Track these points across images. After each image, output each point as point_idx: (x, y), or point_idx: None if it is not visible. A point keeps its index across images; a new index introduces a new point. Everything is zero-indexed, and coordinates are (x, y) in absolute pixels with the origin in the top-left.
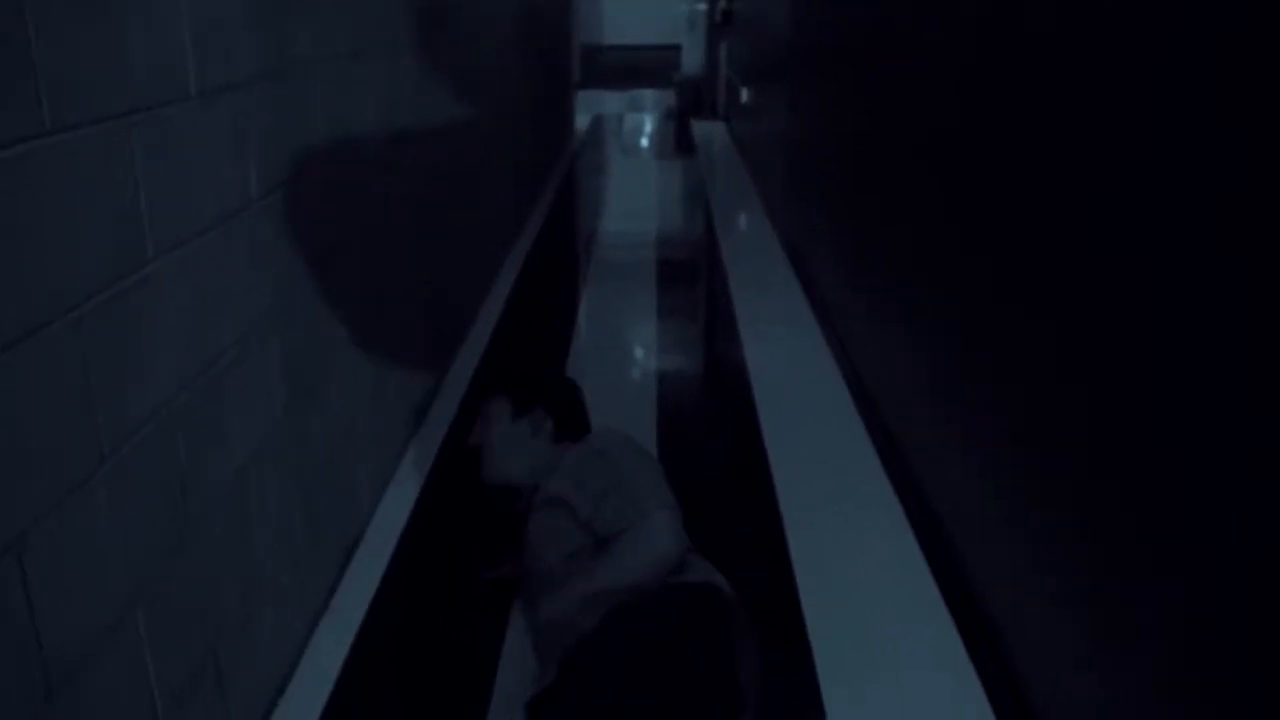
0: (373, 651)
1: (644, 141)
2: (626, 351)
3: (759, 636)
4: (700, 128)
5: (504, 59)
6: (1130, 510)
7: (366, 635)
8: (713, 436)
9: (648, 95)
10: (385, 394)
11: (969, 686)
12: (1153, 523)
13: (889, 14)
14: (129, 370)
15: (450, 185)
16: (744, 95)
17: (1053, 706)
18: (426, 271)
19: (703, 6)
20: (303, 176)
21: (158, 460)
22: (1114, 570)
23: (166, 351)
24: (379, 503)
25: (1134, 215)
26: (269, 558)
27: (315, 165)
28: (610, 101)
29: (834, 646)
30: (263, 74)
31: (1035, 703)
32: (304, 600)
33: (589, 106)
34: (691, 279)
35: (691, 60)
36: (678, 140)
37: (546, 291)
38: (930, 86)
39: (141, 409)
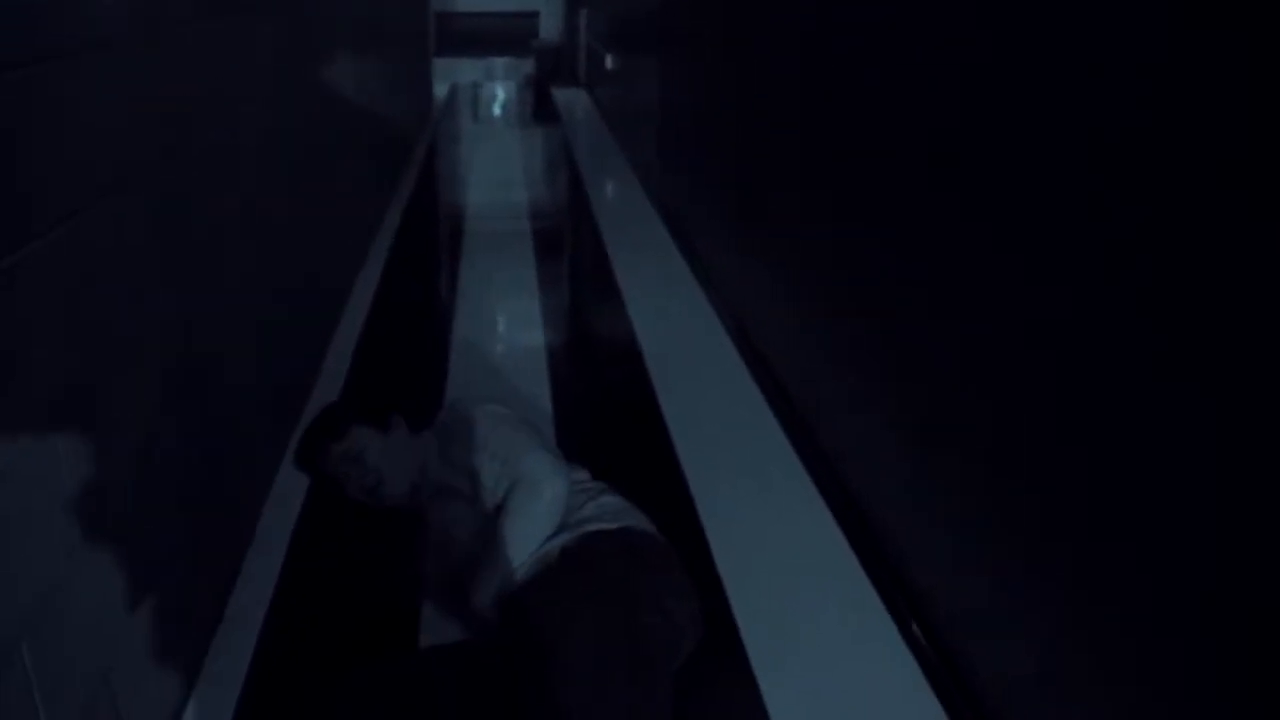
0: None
1: (498, 110)
2: (512, 327)
3: (685, 573)
4: (561, 95)
5: (353, 31)
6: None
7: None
8: (608, 404)
9: (500, 64)
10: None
11: (873, 613)
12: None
13: None
14: None
15: (298, 177)
16: (609, 62)
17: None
18: (291, 268)
19: None
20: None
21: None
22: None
23: None
24: (261, 509)
25: (995, 162)
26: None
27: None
28: (466, 70)
29: (749, 593)
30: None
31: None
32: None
33: (445, 75)
34: (567, 248)
35: (549, 27)
36: (537, 108)
37: (418, 274)
38: (805, 43)
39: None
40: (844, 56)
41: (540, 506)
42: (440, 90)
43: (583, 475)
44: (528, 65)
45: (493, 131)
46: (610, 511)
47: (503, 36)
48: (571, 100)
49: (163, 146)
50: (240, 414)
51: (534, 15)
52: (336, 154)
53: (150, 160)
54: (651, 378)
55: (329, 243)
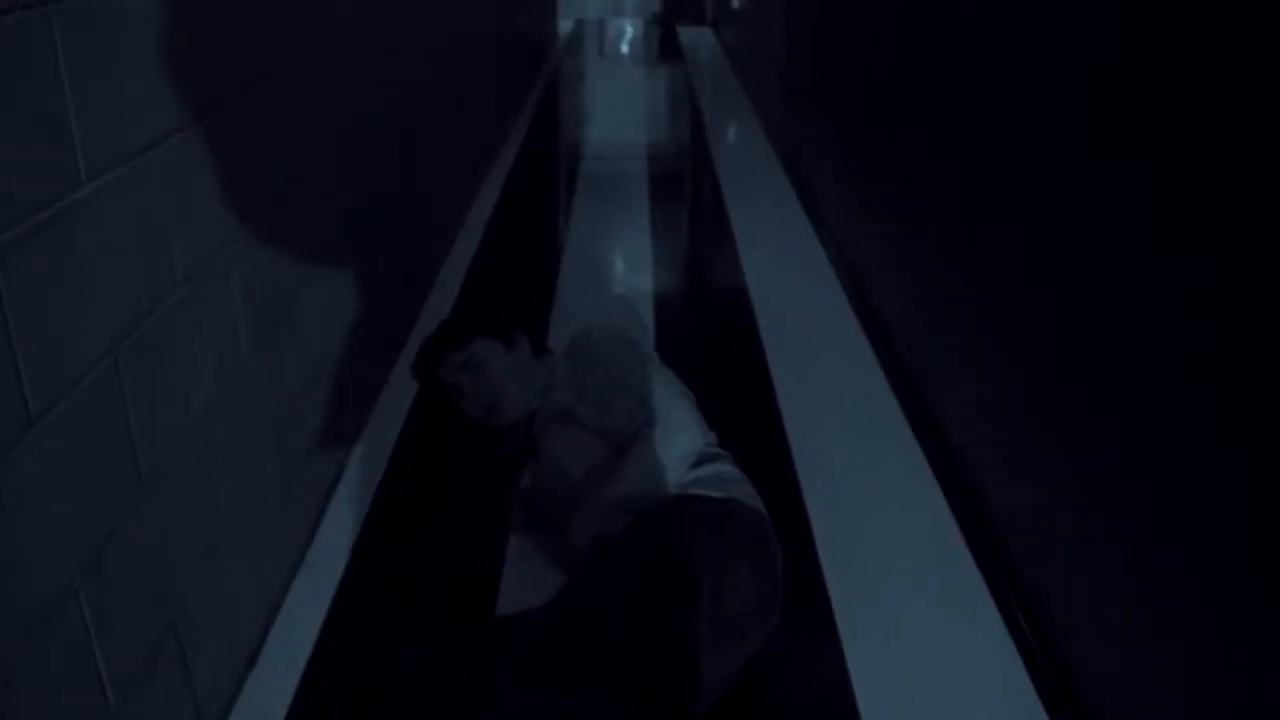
0: (355, 606)
1: (625, 48)
2: (621, 268)
3: (778, 546)
4: (687, 34)
5: None
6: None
7: (348, 587)
8: (714, 356)
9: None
10: (363, 322)
11: (976, 592)
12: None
13: None
14: (60, 312)
15: (428, 95)
16: (735, 1)
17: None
18: (405, 190)
19: None
20: (258, 84)
21: (100, 415)
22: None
23: (105, 290)
24: (357, 440)
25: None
26: (233, 511)
27: (273, 73)
28: (591, 5)
29: (843, 561)
30: None
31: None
32: (276, 555)
33: (570, 9)
34: (684, 192)
35: None
36: (663, 47)
37: (532, 208)
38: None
39: (77, 358)
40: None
41: (671, 455)
42: (565, 26)
43: (713, 438)
44: (655, 1)
45: (616, 68)
46: (720, 479)
47: None
48: (697, 39)
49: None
50: (330, 352)
51: None
52: (458, 90)
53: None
54: (761, 336)
55: (448, 163)
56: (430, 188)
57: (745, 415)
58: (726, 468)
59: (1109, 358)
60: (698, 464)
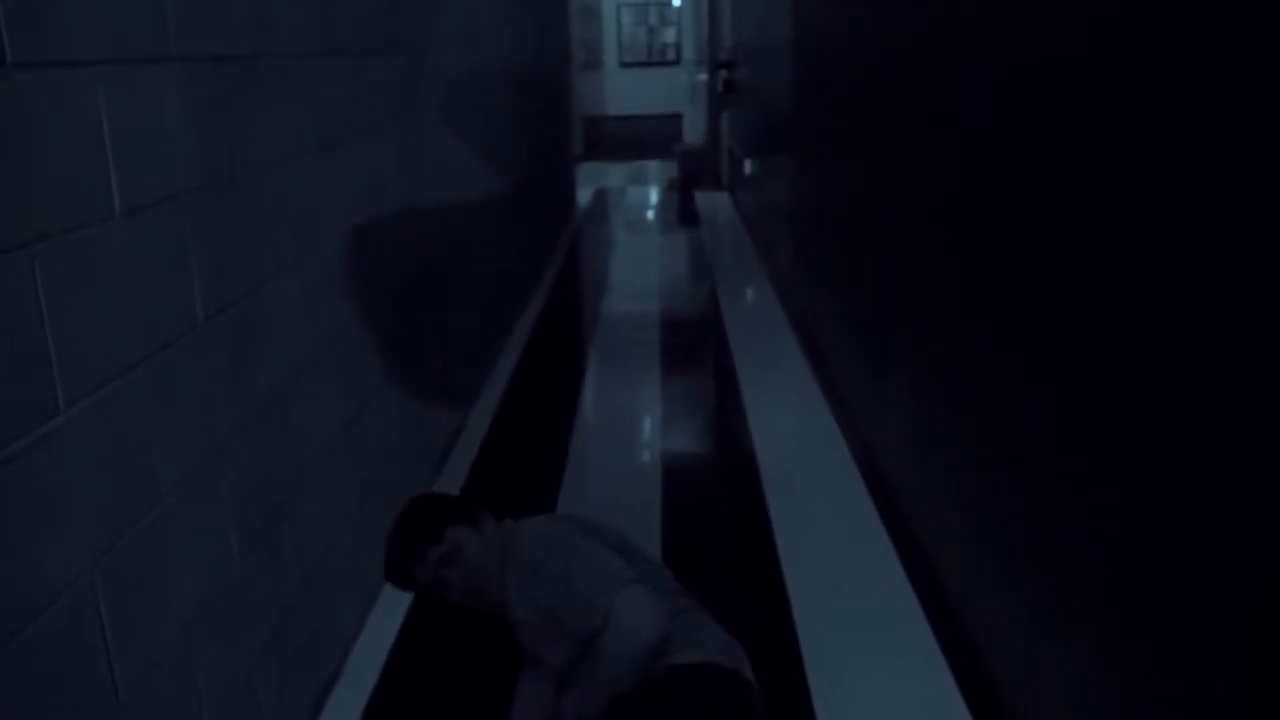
0: None
1: (648, 214)
2: (631, 435)
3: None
4: (704, 199)
5: (502, 137)
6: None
7: None
8: (720, 523)
9: (650, 166)
10: (368, 508)
11: None
12: None
13: (891, 82)
14: (29, 537)
15: (440, 276)
16: (747, 166)
17: None
18: (419, 369)
19: (704, 78)
20: (265, 288)
21: (75, 635)
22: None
23: (80, 511)
24: (358, 636)
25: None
26: (217, 715)
27: (278, 273)
28: (613, 174)
29: None
30: (210, 180)
31: None
32: None
33: (591, 179)
34: (697, 360)
35: (693, 130)
36: (681, 213)
37: (547, 378)
38: (936, 154)
39: (47, 581)
40: (995, 159)
41: (637, 648)
42: (584, 195)
43: (685, 602)
44: (672, 169)
45: (636, 237)
46: (701, 645)
47: (648, 140)
48: (714, 204)
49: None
50: (339, 533)
51: (678, 118)
52: (473, 268)
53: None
54: (769, 507)
55: (466, 338)
56: (448, 362)
57: (751, 591)
58: (693, 620)
59: (1120, 544)
60: (674, 632)
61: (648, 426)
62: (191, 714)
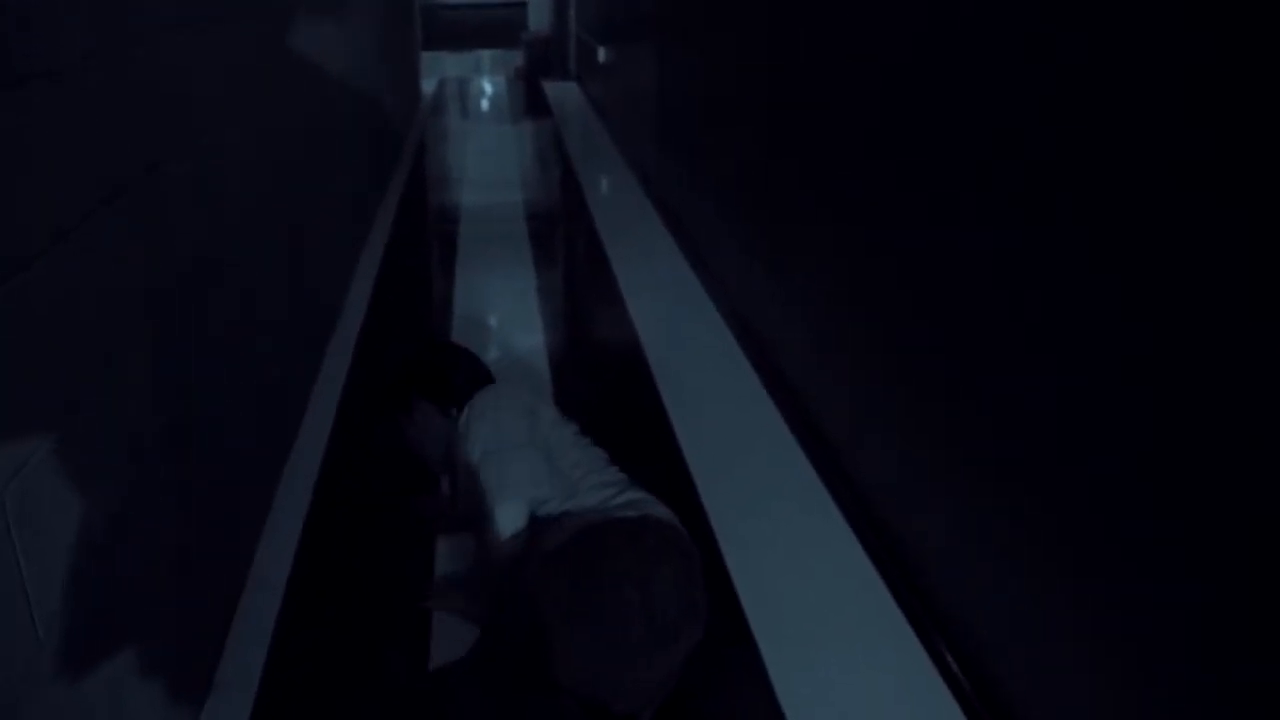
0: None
1: (496, 105)
2: (510, 334)
3: (696, 553)
4: (552, 89)
5: (342, 26)
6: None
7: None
8: (612, 408)
9: (487, 56)
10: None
11: (883, 608)
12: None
13: None
14: None
15: (287, 181)
16: (601, 55)
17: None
18: (267, 293)
19: None
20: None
21: None
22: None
23: None
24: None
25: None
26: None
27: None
28: (454, 64)
29: (758, 589)
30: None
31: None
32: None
33: (433, 69)
34: (563, 247)
35: (538, 18)
36: (528, 102)
37: (413, 280)
38: (812, 35)
39: None
40: (866, 34)
41: (499, 555)
42: (428, 85)
43: (616, 475)
44: (516, 58)
45: (481, 127)
46: (633, 503)
47: (490, 29)
48: (562, 93)
49: (148, 157)
50: (232, 427)
51: (522, 4)
52: (324, 158)
53: (134, 174)
54: (656, 380)
55: (321, 253)
56: (306, 279)
57: (649, 461)
58: (636, 494)
59: (1001, 383)
60: (610, 496)
61: (528, 323)
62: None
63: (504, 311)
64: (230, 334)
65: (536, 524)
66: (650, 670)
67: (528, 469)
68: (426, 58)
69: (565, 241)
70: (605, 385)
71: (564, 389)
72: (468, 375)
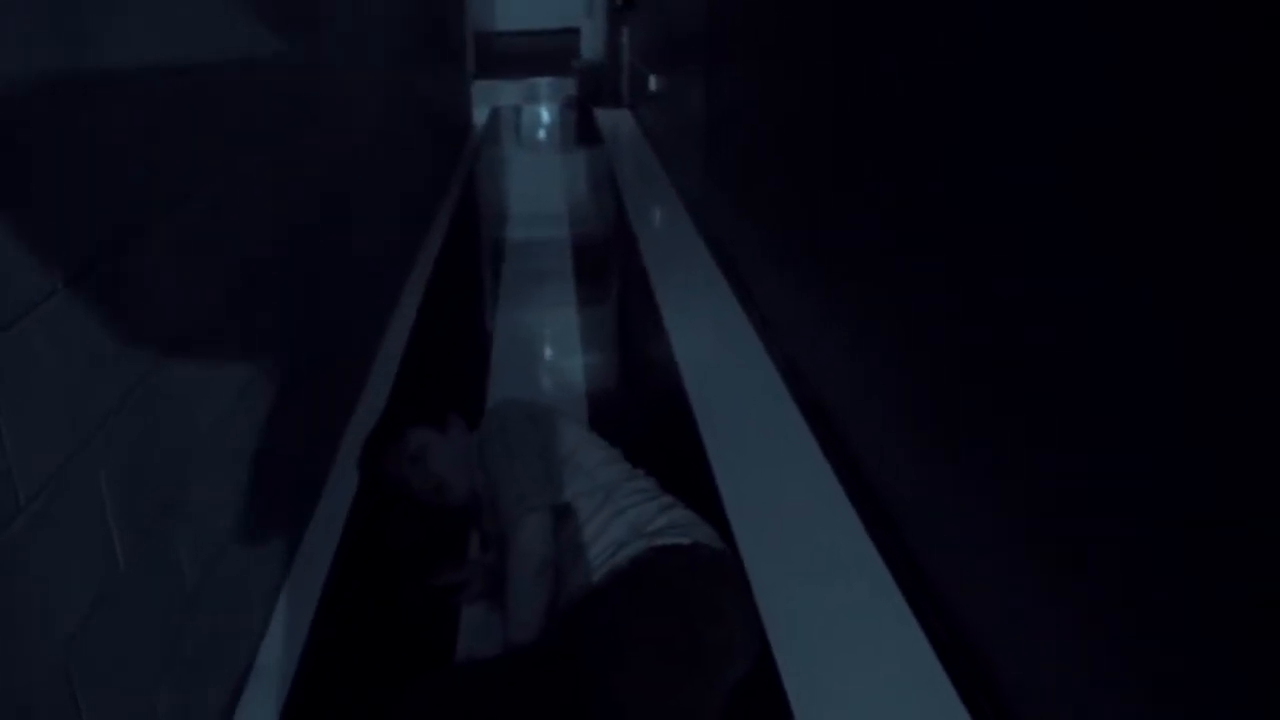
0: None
1: (541, 134)
2: (551, 355)
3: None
4: (605, 116)
5: (393, 55)
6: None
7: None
8: (650, 450)
9: (543, 84)
10: (279, 457)
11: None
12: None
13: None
14: None
15: (333, 208)
16: (652, 83)
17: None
18: (312, 314)
19: None
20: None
21: None
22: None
23: None
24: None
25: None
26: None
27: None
28: (507, 92)
29: (785, 618)
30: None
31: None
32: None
33: (485, 97)
34: (610, 281)
35: (591, 45)
36: (580, 131)
37: (457, 312)
38: (862, 68)
39: None
40: (930, 68)
41: (524, 572)
42: (481, 114)
43: (650, 483)
44: (570, 86)
45: (533, 156)
46: (682, 525)
47: (544, 56)
48: (615, 121)
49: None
50: (276, 456)
51: (575, 32)
52: (372, 184)
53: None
54: (696, 417)
55: (366, 276)
56: (355, 289)
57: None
58: (682, 513)
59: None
60: (653, 515)
61: (569, 361)
62: None
63: (546, 332)
64: (225, 408)
65: (572, 526)
66: (709, 696)
67: (541, 476)
68: (481, 86)
69: (613, 276)
70: (645, 424)
71: (603, 426)
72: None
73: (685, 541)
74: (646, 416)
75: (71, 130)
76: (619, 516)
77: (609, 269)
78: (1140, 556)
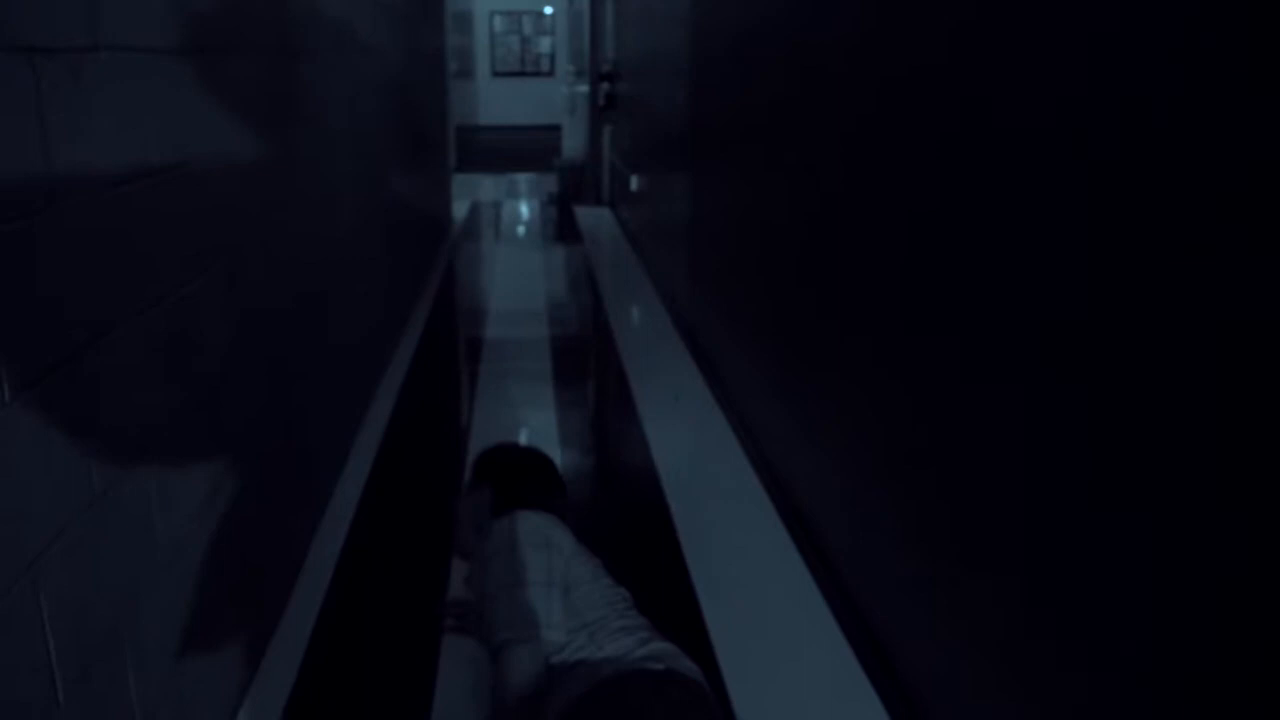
0: None
1: (528, 230)
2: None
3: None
4: (585, 214)
5: (373, 150)
6: None
7: None
8: (628, 559)
9: (522, 180)
10: (242, 571)
11: None
12: None
13: (796, 98)
14: None
15: (309, 305)
16: (633, 183)
17: None
18: (283, 411)
19: (584, 89)
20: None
21: None
22: None
23: None
24: None
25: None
26: None
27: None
28: (487, 187)
29: None
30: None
31: None
32: None
33: (465, 191)
34: (588, 383)
35: (572, 143)
36: (561, 228)
37: (430, 414)
38: (836, 183)
39: None
40: (912, 177)
41: (508, 703)
42: (461, 207)
43: (635, 620)
44: (551, 182)
45: (512, 252)
46: (657, 654)
47: (525, 152)
48: (595, 220)
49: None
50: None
51: (557, 129)
52: (349, 280)
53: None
54: (676, 527)
55: (327, 400)
56: (330, 388)
57: (660, 596)
58: (660, 644)
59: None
60: (631, 648)
61: (544, 439)
62: None
63: (522, 429)
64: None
65: (553, 670)
66: None
67: (543, 611)
68: (462, 179)
69: (590, 376)
70: (622, 526)
71: (580, 527)
72: (534, 487)
73: (659, 668)
74: (626, 523)
75: (26, 235)
76: (599, 652)
77: (588, 371)
78: None
